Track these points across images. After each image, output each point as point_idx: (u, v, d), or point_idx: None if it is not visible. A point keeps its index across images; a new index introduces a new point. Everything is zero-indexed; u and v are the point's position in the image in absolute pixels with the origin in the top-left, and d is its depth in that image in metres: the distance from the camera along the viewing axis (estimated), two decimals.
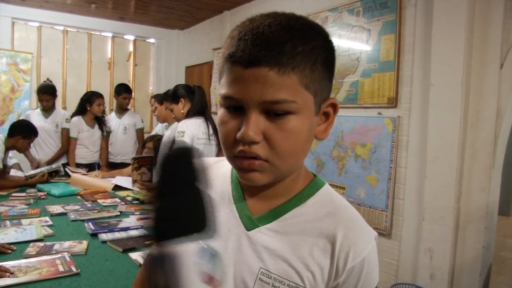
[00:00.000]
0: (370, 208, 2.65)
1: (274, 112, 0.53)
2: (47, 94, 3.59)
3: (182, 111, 2.54)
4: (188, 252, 0.46)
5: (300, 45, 0.52)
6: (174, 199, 0.49)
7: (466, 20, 2.11)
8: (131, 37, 5.36)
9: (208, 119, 2.59)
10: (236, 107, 0.54)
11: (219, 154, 2.66)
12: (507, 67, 2.08)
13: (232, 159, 0.57)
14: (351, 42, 2.82)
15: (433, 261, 2.25)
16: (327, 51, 0.57)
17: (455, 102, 2.16)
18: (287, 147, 0.54)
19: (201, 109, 2.54)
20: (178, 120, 2.60)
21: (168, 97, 2.62)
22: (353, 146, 2.78)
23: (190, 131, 2.41)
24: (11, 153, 3.28)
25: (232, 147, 0.55)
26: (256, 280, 0.58)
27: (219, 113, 0.58)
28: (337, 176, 2.87)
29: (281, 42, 0.51)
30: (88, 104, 3.68)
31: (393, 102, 2.54)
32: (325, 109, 0.59)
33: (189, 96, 2.53)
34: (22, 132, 2.96)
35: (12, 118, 4.37)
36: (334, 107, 0.60)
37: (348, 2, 2.84)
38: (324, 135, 0.61)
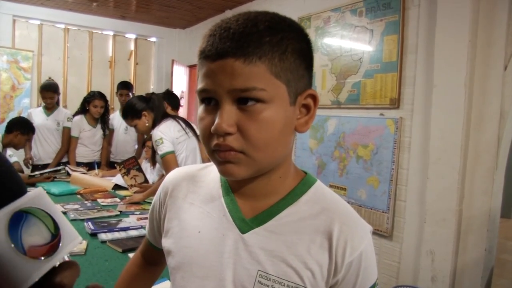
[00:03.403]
0: (371, 209, 2.63)
1: (245, 99, 0.53)
2: (50, 91, 3.57)
3: (146, 124, 2.42)
4: None
5: (268, 36, 0.53)
6: None
7: (470, 21, 2.09)
8: (132, 36, 5.34)
9: (175, 117, 2.56)
10: (211, 100, 0.55)
11: (200, 145, 2.67)
12: (511, 69, 2.06)
13: (211, 154, 0.57)
14: (354, 43, 2.81)
15: (435, 263, 2.24)
16: (299, 42, 0.56)
17: (458, 103, 2.14)
18: (261, 137, 0.54)
19: (164, 113, 2.48)
20: (145, 133, 2.52)
21: (128, 114, 2.46)
22: (354, 147, 2.76)
23: (168, 135, 2.37)
24: (10, 151, 3.28)
25: (209, 141, 0.56)
26: (255, 283, 0.57)
27: (198, 110, 0.58)
28: (338, 177, 2.86)
29: (247, 34, 0.52)
30: (87, 104, 3.67)
31: (395, 103, 2.53)
32: (304, 101, 0.59)
33: (149, 106, 2.43)
34: (21, 128, 2.95)
35: (12, 116, 4.34)
36: (314, 98, 0.60)
37: (351, 2, 2.82)
38: (305, 128, 0.60)
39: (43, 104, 3.69)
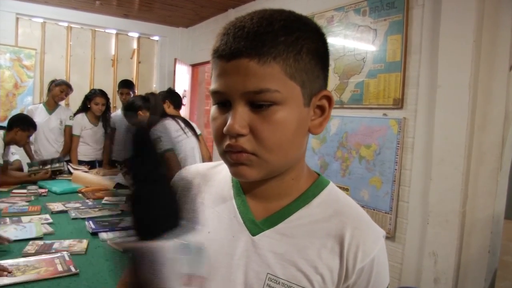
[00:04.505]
0: (374, 210, 2.62)
1: (258, 103, 0.52)
2: (65, 85, 3.61)
3: None
4: (167, 249, 0.42)
5: (283, 35, 0.51)
6: (148, 188, 0.48)
7: (474, 21, 2.07)
8: (135, 34, 5.34)
9: (174, 117, 2.57)
10: (224, 103, 0.54)
11: (200, 145, 2.69)
12: None
13: (223, 155, 0.56)
14: (357, 42, 2.79)
15: (437, 265, 2.22)
16: (315, 41, 0.55)
17: (462, 104, 2.12)
18: (274, 139, 0.53)
19: (163, 113, 2.49)
20: None
21: (127, 112, 2.53)
22: (357, 147, 2.74)
23: (165, 133, 2.37)
24: (13, 149, 3.28)
25: (221, 142, 0.55)
26: (264, 286, 0.56)
27: (211, 110, 0.58)
28: (341, 177, 2.84)
29: (262, 33, 0.51)
30: (89, 102, 3.66)
31: (398, 103, 2.51)
32: (318, 102, 0.58)
33: (146, 105, 2.46)
34: (21, 124, 2.96)
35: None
36: (329, 100, 0.58)
37: (355, 2, 2.80)
38: (319, 129, 0.59)
39: (44, 101, 3.69)
